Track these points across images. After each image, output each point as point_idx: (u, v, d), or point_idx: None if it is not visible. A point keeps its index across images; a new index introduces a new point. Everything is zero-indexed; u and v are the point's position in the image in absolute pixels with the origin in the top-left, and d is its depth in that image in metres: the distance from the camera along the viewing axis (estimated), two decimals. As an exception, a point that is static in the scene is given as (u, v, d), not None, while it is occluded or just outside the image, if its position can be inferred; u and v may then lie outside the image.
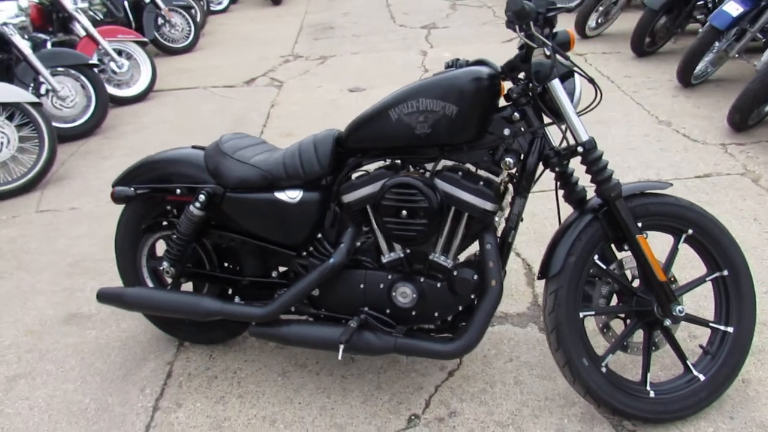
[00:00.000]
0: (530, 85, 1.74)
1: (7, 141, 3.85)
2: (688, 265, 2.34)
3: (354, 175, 1.96)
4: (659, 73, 5.04)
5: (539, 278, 1.84)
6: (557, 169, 1.81)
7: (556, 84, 1.72)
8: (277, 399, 2.09)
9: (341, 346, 1.83)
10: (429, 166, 1.90)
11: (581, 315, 1.80)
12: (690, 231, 1.84)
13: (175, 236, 2.09)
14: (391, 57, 6.38)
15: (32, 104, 3.95)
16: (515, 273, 2.66)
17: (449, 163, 1.89)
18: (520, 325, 2.34)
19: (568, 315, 1.77)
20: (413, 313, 1.93)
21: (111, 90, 5.50)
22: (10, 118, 3.90)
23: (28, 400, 2.18)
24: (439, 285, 1.89)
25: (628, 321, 1.90)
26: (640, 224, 1.80)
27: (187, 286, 2.28)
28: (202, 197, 2.02)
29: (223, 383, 2.18)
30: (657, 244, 1.92)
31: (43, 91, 4.55)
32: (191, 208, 2.03)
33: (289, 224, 1.99)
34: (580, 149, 1.74)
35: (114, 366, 2.31)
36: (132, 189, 2.10)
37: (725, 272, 1.87)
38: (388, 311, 1.95)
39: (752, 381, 2.00)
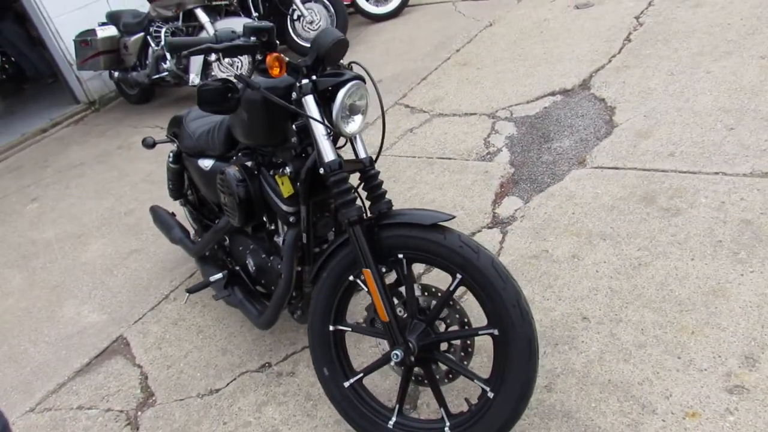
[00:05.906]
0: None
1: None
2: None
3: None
4: None
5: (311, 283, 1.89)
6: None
7: (308, 100, 1.67)
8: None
9: (187, 295, 2.28)
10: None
11: (331, 328, 1.82)
12: (458, 275, 1.60)
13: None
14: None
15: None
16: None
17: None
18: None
19: (315, 325, 1.82)
20: (262, 281, 2.22)
21: (369, 7, 6.21)
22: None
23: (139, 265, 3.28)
24: (269, 264, 2.11)
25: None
26: (401, 255, 1.67)
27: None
28: (170, 154, 2.62)
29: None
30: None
31: (295, 16, 5.56)
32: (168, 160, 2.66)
33: (207, 186, 2.43)
34: (321, 170, 1.68)
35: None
36: (152, 140, 2.81)
37: (495, 331, 1.57)
38: (249, 273, 2.28)
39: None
